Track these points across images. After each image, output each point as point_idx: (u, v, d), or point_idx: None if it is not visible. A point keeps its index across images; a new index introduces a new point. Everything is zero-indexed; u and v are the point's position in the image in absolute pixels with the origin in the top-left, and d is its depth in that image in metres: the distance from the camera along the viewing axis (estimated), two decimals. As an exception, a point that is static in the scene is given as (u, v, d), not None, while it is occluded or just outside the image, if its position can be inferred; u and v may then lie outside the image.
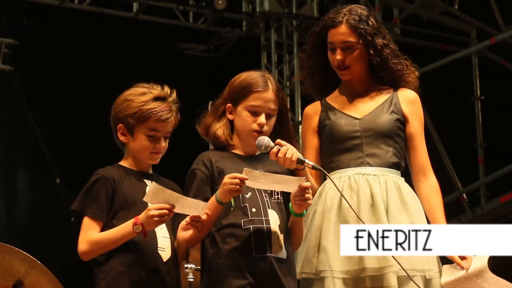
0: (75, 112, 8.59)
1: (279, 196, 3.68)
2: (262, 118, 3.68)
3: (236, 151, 3.76)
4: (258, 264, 3.56)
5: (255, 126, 3.68)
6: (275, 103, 3.72)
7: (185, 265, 4.79)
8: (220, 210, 3.59)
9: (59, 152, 8.60)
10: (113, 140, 3.76)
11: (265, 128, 3.68)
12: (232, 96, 3.74)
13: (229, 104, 3.75)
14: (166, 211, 3.42)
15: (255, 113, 3.70)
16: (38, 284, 3.67)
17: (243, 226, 3.59)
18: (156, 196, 3.41)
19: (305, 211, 3.64)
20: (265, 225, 3.60)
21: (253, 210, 3.61)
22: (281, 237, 3.62)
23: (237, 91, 3.73)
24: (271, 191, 3.66)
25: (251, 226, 3.59)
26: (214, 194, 3.56)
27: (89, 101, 8.53)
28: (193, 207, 3.47)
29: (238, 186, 3.47)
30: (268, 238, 3.59)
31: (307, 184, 3.53)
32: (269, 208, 3.64)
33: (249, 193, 3.63)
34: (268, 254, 3.58)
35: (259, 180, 3.51)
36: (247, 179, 3.47)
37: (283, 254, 3.62)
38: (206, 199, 3.58)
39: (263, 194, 3.65)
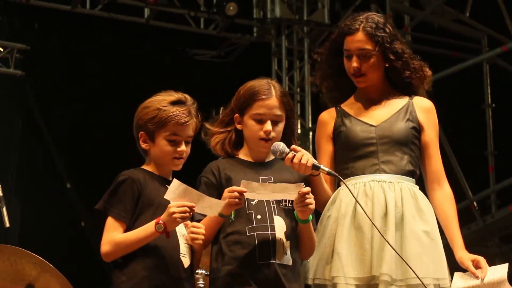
0: (86, 117, 8.61)
1: (288, 202, 3.67)
2: (268, 126, 3.69)
3: (247, 159, 3.77)
4: (262, 271, 3.56)
5: (261, 134, 3.69)
6: (281, 109, 3.73)
7: (196, 271, 4.79)
8: (220, 223, 3.60)
9: (70, 157, 8.62)
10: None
11: (272, 134, 3.69)
12: (238, 106, 3.76)
13: (236, 115, 3.77)
14: (187, 208, 3.43)
15: (260, 121, 3.70)
16: (50, 287, 3.66)
17: (247, 233, 3.60)
18: (177, 193, 3.42)
19: (310, 216, 3.63)
20: (269, 232, 3.60)
21: (258, 217, 3.61)
22: (287, 243, 3.62)
23: (242, 101, 3.75)
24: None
25: (255, 233, 3.59)
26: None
27: (100, 106, 8.56)
28: (213, 207, 3.49)
29: (237, 200, 3.48)
30: (273, 245, 3.59)
31: (306, 189, 3.53)
32: (275, 214, 3.64)
33: (255, 200, 3.62)
34: (272, 261, 3.58)
35: (258, 191, 3.51)
36: (245, 192, 3.48)
37: (288, 260, 3.62)
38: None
39: (270, 201, 3.64)
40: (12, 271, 3.69)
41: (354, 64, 3.84)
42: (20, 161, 8.56)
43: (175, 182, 3.44)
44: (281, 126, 3.73)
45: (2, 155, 8.39)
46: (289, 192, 3.54)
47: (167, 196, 3.45)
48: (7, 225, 4.03)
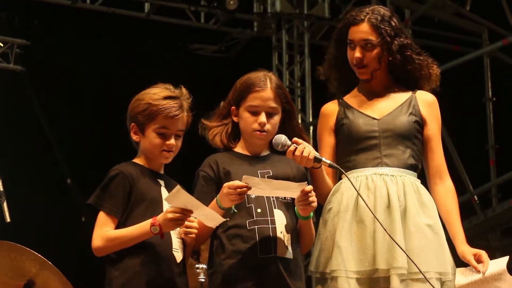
0: (87, 112, 8.61)
1: (287, 197, 3.66)
2: (262, 117, 3.69)
3: (244, 152, 3.76)
4: (263, 265, 3.56)
5: (256, 126, 3.69)
6: (275, 101, 3.72)
7: (196, 265, 4.79)
8: (221, 214, 3.58)
9: (70, 153, 8.61)
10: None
11: (267, 126, 3.69)
12: (235, 98, 3.76)
13: (233, 107, 3.77)
14: (182, 215, 3.43)
15: (255, 113, 3.70)
16: (49, 284, 3.67)
17: (248, 227, 3.59)
18: (177, 199, 3.41)
19: (312, 213, 3.63)
20: (270, 226, 3.60)
21: (258, 210, 3.61)
22: (288, 237, 3.62)
23: (237, 93, 3.75)
24: None
25: (255, 227, 3.59)
26: (215, 198, 3.56)
27: (100, 101, 8.55)
28: (209, 218, 3.49)
29: (238, 195, 3.47)
30: (274, 239, 3.59)
31: (309, 188, 3.53)
32: (275, 208, 3.63)
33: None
34: (273, 255, 3.57)
35: (259, 187, 3.49)
36: (246, 186, 3.46)
37: (289, 254, 3.62)
38: (210, 200, 3.59)
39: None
40: (13, 267, 3.69)
41: (357, 54, 3.83)
42: (20, 157, 8.55)
43: (178, 187, 3.43)
44: (276, 119, 3.72)
45: (1, 150, 8.38)
46: (291, 190, 3.53)
47: (167, 199, 3.46)
48: (8, 220, 4.04)
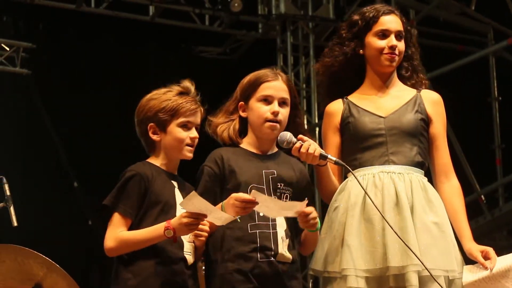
0: (92, 115, 8.62)
1: (288, 199, 3.67)
2: (275, 106, 3.69)
3: (251, 149, 3.75)
4: (263, 268, 3.57)
5: (269, 115, 3.69)
6: (287, 93, 3.73)
7: (203, 267, 4.79)
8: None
9: (77, 156, 8.63)
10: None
11: (280, 116, 3.68)
12: (243, 93, 3.76)
13: (241, 102, 3.76)
14: (195, 220, 3.43)
15: (267, 101, 3.70)
16: (57, 287, 3.68)
17: (249, 231, 3.59)
18: (192, 204, 3.41)
19: (318, 225, 3.63)
20: (271, 230, 3.60)
21: (261, 214, 3.60)
22: (287, 241, 3.63)
23: (247, 87, 3.75)
24: (280, 193, 3.66)
25: (257, 231, 3.59)
26: (221, 203, 3.55)
27: (106, 104, 8.57)
28: (222, 220, 3.48)
29: (243, 209, 3.46)
30: (274, 243, 3.59)
31: (309, 210, 3.51)
32: (277, 211, 3.63)
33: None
34: (272, 259, 3.58)
35: (266, 204, 3.47)
36: (253, 201, 3.44)
37: (288, 258, 3.62)
38: (214, 196, 3.60)
39: (272, 197, 3.62)
40: (20, 270, 3.70)
41: (395, 42, 3.85)
42: (26, 160, 8.57)
43: (193, 192, 3.42)
44: (287, 111, 3.72)
45: (8, 154, 8.40)
46: (296, 210, 3.52)
47: (181, 204, 3.47)
48: (15, 224, 4.05)
